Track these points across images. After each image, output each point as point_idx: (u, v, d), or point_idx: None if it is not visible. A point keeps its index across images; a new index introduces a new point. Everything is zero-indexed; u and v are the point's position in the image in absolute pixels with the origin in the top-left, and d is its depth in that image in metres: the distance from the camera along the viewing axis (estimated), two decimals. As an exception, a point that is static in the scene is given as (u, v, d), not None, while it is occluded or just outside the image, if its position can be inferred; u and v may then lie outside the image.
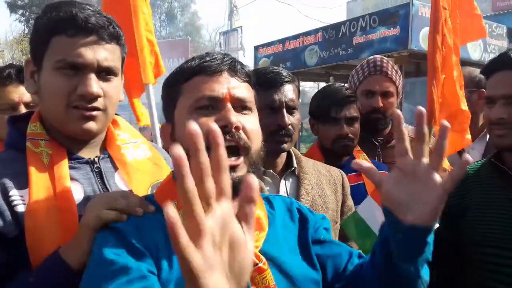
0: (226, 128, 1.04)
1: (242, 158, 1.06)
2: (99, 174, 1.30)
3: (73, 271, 1.08)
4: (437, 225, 1.63)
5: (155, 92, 2.50)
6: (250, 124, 1.10)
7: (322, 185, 1.81)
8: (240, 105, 1.10)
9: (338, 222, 1.83)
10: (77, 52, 1.19)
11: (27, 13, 30.20)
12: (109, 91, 1.26)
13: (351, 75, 2.56)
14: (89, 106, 1.22)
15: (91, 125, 1.23)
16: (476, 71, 2.88)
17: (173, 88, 1.14)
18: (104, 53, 1.23)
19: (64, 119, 1.23)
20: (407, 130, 2.55)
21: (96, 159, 1.32)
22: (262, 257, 1.05)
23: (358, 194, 2.10)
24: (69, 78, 1.20)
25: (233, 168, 1.04)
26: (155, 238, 1.02)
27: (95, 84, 1.21)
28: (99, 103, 1.23)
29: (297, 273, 1.10)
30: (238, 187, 1.04)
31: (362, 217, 1.75)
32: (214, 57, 1.12)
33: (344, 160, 2.19)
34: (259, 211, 1.14)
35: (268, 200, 1.25)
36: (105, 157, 1.35)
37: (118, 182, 1.32)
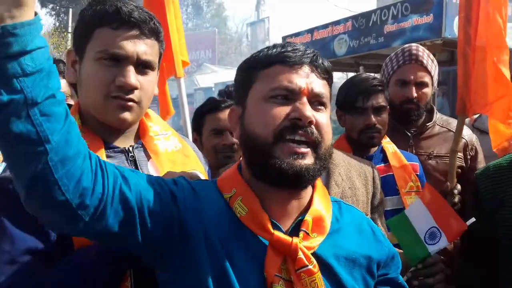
0: (300, 121, 1.04)
1: (310, 149, 1.05)
2: (134, 163, 1.36)
3: None
4: (473, 219, 1.59)
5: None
6: (323, 119, 1.08)
7: (352, 177, 1.78)
8: (316, 100, 1.09)
9: (369, 215, 1.80)
10: (119, 44, 1.25)
11: (58, 7, 30.79)
12: (145, 84, 1.31)
13: (385, 63, 2.49)
14: (126, 97, 1.27)
15: (127, 115, 1.29)
16: None
17: (250, 72, 1.14)
18: (144, 47, 1.29)
19: (102, 108, 1.28)
20: (442, 120, 2.46)
21: (131, 149, 1.37)
22: (313, 259, 1.03)
23: (387, 186, 2.06)
24: (108, 69, 1.26)
25: (301, 155, 1.03)
26: (205, 220, 1.05)
27: (133, 76, 1.26)
28: (135, 95, 1.29)
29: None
30: (303, 175, 1.03)
31: (410, 220, 1.71)
32: (296, 47, 1.10)
33: (373, 151, 2.15)
34: (325, 211, 1.12)
35: (338, 205, 1.21)
36: (139, 146, 1.40)
37: (151, 171, 1.36)
